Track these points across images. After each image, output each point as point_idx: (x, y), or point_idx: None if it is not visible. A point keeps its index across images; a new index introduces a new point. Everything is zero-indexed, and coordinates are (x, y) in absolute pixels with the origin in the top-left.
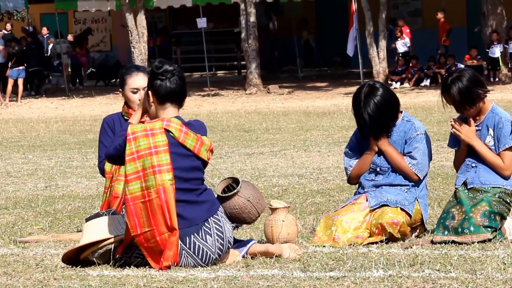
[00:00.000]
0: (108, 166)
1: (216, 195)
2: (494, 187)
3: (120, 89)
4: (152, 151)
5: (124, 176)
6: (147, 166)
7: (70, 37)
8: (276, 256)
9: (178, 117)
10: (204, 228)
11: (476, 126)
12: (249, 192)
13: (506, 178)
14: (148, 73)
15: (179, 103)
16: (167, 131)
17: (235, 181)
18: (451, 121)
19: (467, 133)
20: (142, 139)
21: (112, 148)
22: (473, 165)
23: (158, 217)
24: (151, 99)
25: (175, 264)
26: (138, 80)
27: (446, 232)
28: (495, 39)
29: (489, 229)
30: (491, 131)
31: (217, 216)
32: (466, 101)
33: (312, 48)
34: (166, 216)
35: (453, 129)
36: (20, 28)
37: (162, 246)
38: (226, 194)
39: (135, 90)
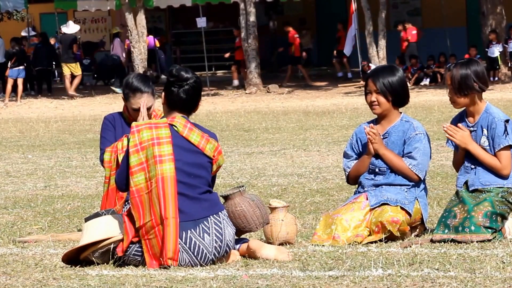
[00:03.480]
0: (107, 156)
1: (220, 195)
2: (496, 187)
3: (123, 96)
4: (154, 142)
5: (129, 168)
6: (149, 156)
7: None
8: (260, 257)
9: (184, 116)
10: (202, 225)
11: (471, 127)
12: (253, 196)
13: (505, 177)
14: (154, 89)
15: (188, 112)
16: (171, 126)
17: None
18: (443, 127)
19: (462, 137)
20: (145, 130)
21: (117, 174)
22: (472, 167)
23: (156, 207)
24: (163, 100)
25: (175, 262)
26: (141, 103)
27: (446, 231)
28: (493, 39)
29: (489, 230)
30: (485, 132)
31: (218, 218)
32: (460, 87)
33: (309, 52)
34: (161, 206)
35: (447, 135)
36: (28, 29)
37: (159, 237)
38: (232, 192)
39: (137, 110)
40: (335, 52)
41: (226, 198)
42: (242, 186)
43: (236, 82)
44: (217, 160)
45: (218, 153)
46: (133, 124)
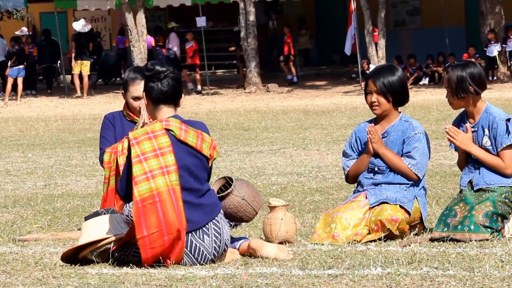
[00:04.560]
0: (107, 156)
1: None
2: (500, 187)
3: (123, 91)
4: (157, 153)
5: (132, 179)
6: (155, 167)
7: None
8: (260, 255)
9: (176, 116)
10: (203, 228)
11: (472, 127)
12: (243, 191)
13: (508, 176)
14: None
15: (174, 104)
16: (168, 131)
17: (230, 180)
18: (445, 128)
19: (462, 139)
20: (145, 142)
21: (119, 185)
22: (476, 166)
23: (160, 217)
24: (145, 101)
25: (174, 262)
26: (140, 90)
27: (445, 229)
28: (492, 38)
29: (489, 229)
30: (487, 132)
31: (217, 218)
32: (456, 90)
33: (308, 51)
34: (172, 217)
35: (448, 136)
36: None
37: (167, 245)
38: (220, 194)
39: (136, 98)
40: (281, 57)
41: (218, 199)
42: (231, 179)
43: (190, 85)
44: (213, 157)
45: (213, 149)
46: (131, 136)
